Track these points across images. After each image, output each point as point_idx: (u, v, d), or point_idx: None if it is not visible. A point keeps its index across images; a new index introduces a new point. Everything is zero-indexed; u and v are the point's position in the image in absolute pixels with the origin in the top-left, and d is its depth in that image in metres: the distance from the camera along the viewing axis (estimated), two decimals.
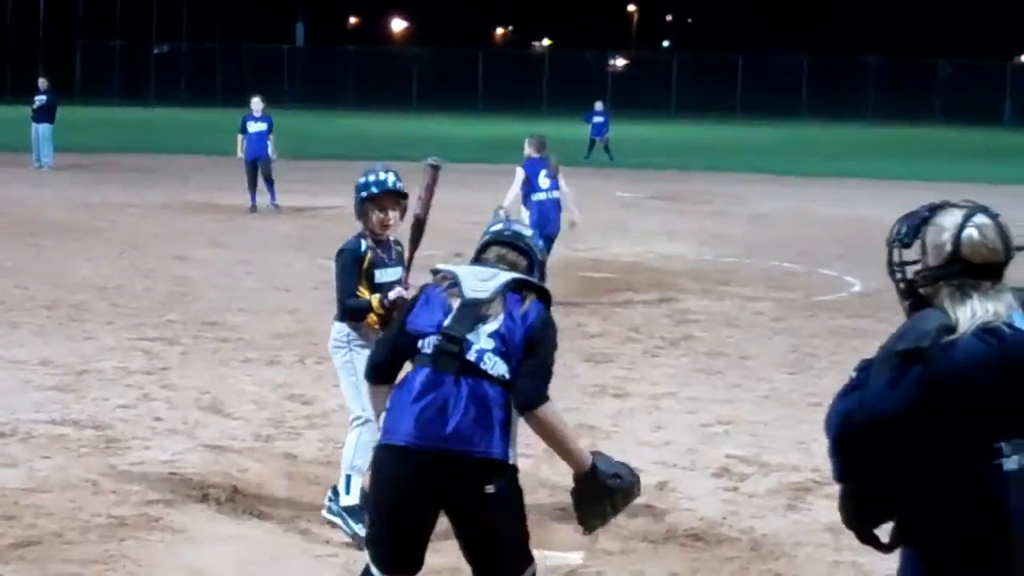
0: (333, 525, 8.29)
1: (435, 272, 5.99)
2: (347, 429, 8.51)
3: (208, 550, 8.09)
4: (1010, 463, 3.84)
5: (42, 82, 36.60)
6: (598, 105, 43.42)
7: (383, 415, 5.81)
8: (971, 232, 3.98)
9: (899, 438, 3.93)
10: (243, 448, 10.28)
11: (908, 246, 4.10)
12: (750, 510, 9.15)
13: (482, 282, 5.79)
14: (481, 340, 5.65)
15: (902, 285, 4.10)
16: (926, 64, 77.53)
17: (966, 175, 38.70)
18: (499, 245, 6.12)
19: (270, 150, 27.29)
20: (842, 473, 4.09)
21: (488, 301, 5.72)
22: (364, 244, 8.44)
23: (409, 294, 8.11)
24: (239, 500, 9.06)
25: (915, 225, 4.09)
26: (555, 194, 17.20)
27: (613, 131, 42.96)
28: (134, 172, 35.70)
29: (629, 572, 7.89)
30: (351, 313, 8.34)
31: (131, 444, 10.29)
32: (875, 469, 4.02)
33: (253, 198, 27.24)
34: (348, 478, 8.30)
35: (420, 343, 5.71)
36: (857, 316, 16.53)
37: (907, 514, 4.02)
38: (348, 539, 8.17)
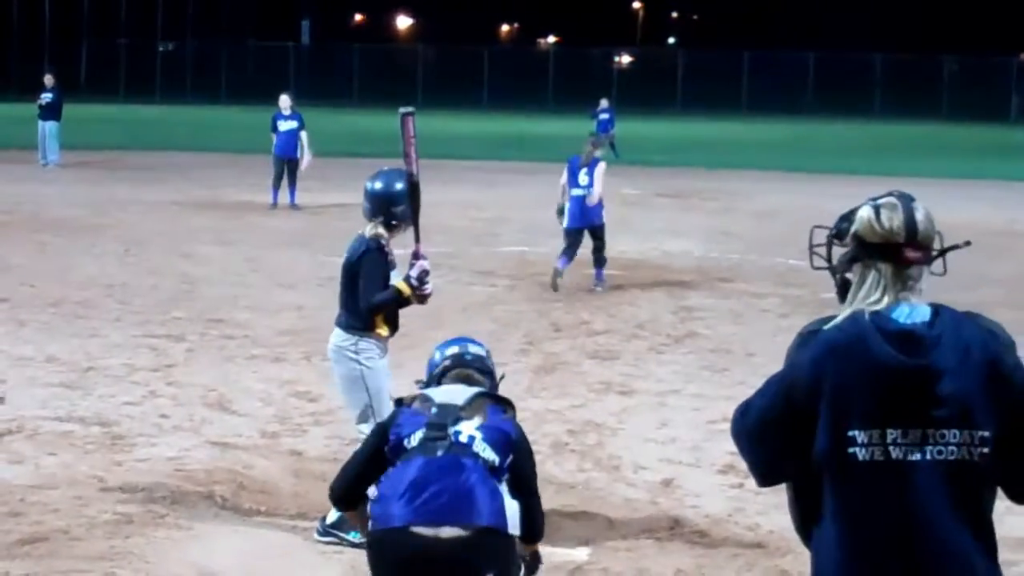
0: (329, 544, 8.21)
1: (400, 401, 5.97)
2: (346, 447, 8.45)
3: (214, 546, 8.10)
4: (863, 453, 3.83)
5: (48, 80, 36.60)
6: (603, 102, 43.44)
7: (370, 504, 5.74)
8: (866, 211, 4.00)
9: (778, 431, 3.96)
10: (249, 445, 10.29)
11: (840, 238, 4.11)
12: (756, 507, 9.15)
13: (454, 395, 5.85)
14: (467, 430, 5.67)
15: (836, 276, 4.13)
16: (932, 61, 77.45)
17: (972, 172, 38.70)
18: (461, 367, 6.15)
19: (306, 146, 27.14)
20: (755, 475, 4.13)
21: (464, 407, 5.75)
22: (386, 247, 8.33)
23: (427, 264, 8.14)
24: (245, 497, 9.08)
25: (846, 216, 4.12)
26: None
27: (618, 128, 42.94)
28: (140, 170, 35.72)
29: (635, 569, 7.89)
30: (381, 308, 8.22)
31: (137, 441, 10.31)
32: (777, 468, 4.04)
33: (275, 196, 27.18)
34: None
35: (405, 441, 5.66)
36: None
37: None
38: (349, 548, 8.12)
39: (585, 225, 18.06)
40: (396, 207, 8.26)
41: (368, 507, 5.74)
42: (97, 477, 9.32)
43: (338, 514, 8.10)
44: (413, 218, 8.08)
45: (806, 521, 4.04)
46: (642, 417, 11.51)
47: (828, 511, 3.91)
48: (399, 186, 8.26)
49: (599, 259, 18.14)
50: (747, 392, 12.34)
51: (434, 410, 5.72)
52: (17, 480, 9.19)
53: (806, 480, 3.94)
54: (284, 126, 27.48)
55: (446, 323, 14.40)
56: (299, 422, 11.01)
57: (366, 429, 8.24)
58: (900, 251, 3.93)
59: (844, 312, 3.95)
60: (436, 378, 6.14)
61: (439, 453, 5.58)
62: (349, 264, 8.34)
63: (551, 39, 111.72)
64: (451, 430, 5.64)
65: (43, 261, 19.48)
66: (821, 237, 4.18)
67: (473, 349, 6.23)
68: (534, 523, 5.84)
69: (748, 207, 29.78)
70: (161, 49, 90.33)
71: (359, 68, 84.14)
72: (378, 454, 5.80)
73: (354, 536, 8.01)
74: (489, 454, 5.63)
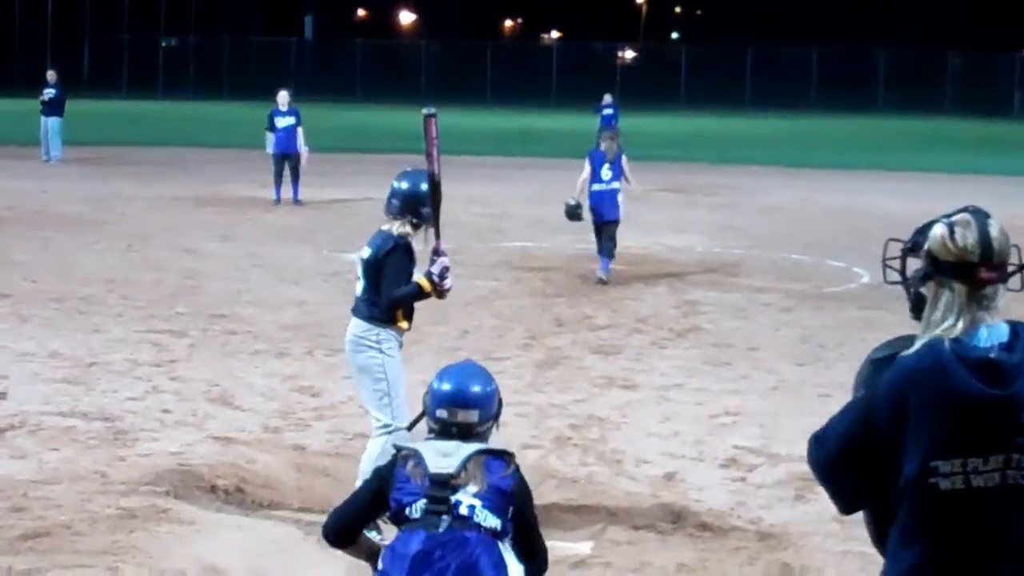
0: None
1: (398, 449, 5.84)
2: (371, 435, 8.46)
3: (217, 541, 8.10)
4: (945, 483, 3.79)
5: (51, 75, 36.61)
6: (607, 98, 43.36)
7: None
8: (939, 228, 3.91)
9: (859, 457, 3.91)
10: (252, 440, 10.29)
11: (915, 251, 4.04)
12: (758, 501, 9.16)
13: (444, 458, 5.67)
14: (467, 500, 5.57)
15: (911, 290, 4.05)
16: (935, 56, 77.38)
17: (976, 167, 38.68)
18: (447, 435, 5.87)
19: (300, 143, 27.16)
20: (836, 502, 4.05)
21: (457, 474, 5.61)
22: (411, 245, 8.38)
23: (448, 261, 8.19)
24: (248, 491, 9.08)
25: (921, 229, 4.03)
26: (614, 185, 18.59)
27: (622, 123, 42.89)
28: (142, 165, 35.73)
29: (637, 562, 7.89)
30: (403, 301, 8.28)
31: (140, 436, 10.31)
32: (859, 494, 3.99)
33: (278, 192, 27.19)
34: None
35: (407, 510, 5.59)
36: (866, 307, 16.51)
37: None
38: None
39: (612, 219, 18.47)
40: (423, 207, 8.32)
41: None
42: (100, 472, 9.32)
43: None
44: (434, 216, 8.14)
45: (883, 541, 3.98)
46: (644, 411, 11.52)
47: (907, 536, 3.86)
48: (426, 186, 8.30)
49: (611, 250, 18.40)
50: (750, 386, 12.38)
51: (426, 482, 5.59)
52: (20, 475, 9.20)
53: (884, 505, 3.89)
54: (282, 122, 27.46)
55: (449, 318, 14.41)
56: (302, 417, 11.01)
57: (383, 417, 8.27)
58: (975, 271, 3.82)
59: (921, 338, 3.86)
60: (430, 429, 5.98)
61: (442, 528, 5.51)
62: (375, 259, 8.38)
63: (554, 34, 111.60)
64: (452, 500, 5.55)
65: (46, 257, 19.49)
66: (895, 251, 4.09)
67: (462, 416, 5.85)
68: (535, 560, 5.83)
69: (751, 202, 29.78)
70: (164, 44, 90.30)
71: (362, 64, 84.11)
72: (377, 497, 5.77)
73: (376, 536, 8.01)
74: (491, 521, 5.56)
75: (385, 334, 8.32)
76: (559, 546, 8.16)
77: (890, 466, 3.82)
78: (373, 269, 8.36)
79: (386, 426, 8.25)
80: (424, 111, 8.07)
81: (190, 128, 51.07)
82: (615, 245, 18.52)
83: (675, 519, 8.70)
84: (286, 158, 27.19)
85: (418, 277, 8.22)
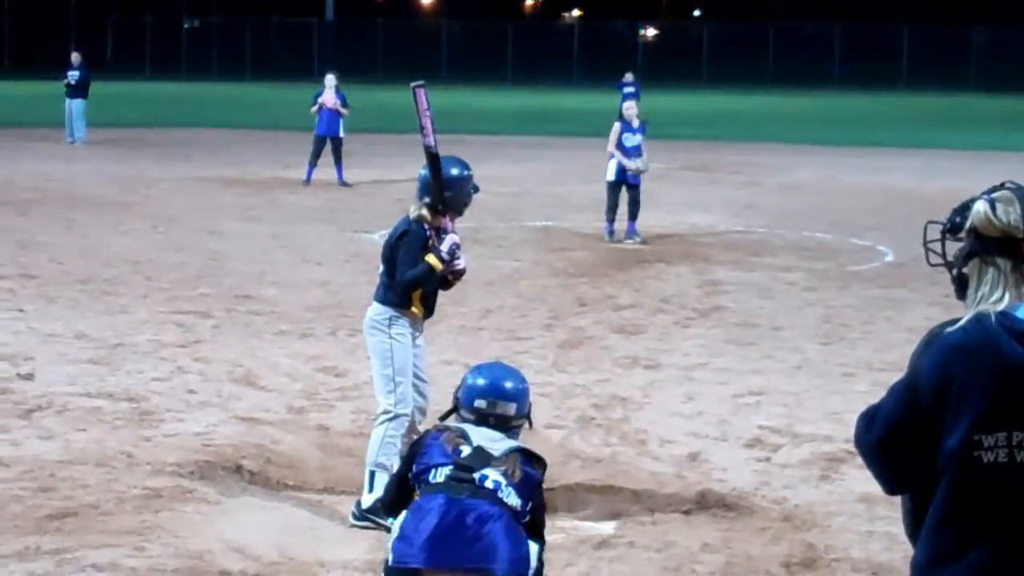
0: (365, 528, 8.23)
1: (441, 427, 5.99)
2: (372, 422, 8.49)
3: (242, 521, 8.14)
4: (988, 456, 3.79)
5: (75, 57, 36.66)
6: (628, 76, 43.26)
7: (392, 540, 5.68)
8: (982, 205, 3.91)
9: (906, 436, 3.91)
10: (276, 420, 10.33)
11: (955, 232, 4.03)
12: (782, 480, 9.16)
13: (492, 441, 5.86)
14: (494, 475, 5.70)
15: (953, 271, 4.05)
16: (960, 31, 77.01)
17: (1000, 143, 38.50)
18: (484, 425, 6.00)
19: (341, 128, 27.16)
20: (883, 483, 4.05)
21: (499, 458, 5.78)
22: (427, 229, 8.28)
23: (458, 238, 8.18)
24: (272, 472, 9.12)
25: (959, 209, 4.03)
26: (638, 141, 20.27)
27: (644, 102, 42.77)
28: (166, 146, 35.79)
29: (661, 542, 7.90)
30: (414, 283, 8.23)
31: (165, 417, 10.35)
32: (906, 474, 3.98)
33: (310, 172, 27.09)
34: (372, 475, 8.22)
35: (429, 474, 5.68)
36: (890, 286, 16.48)
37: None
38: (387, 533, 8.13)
39: (636, 182, 20.16)
40: (445, 191, 8.23)
41: (389, 542, 5.71)
42: (126, 452, 9.36)
43: (375, 499, 8.13)
44: (436, 191, 8.11)
45: (921, 525, 3.94)
46: (668, 391, 11.52)
47: (947, 514, 3.84)
48: (454, 172, 8.29)
49: (636, 212, 20.11)
50: (774, 365, 12.36)
51: (468, 451, 5.74)
52: (47, 456, 9.25)
53: (927, 485, 3.87)
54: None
55: (471, 299, 14.41)
56: (326, 397, 11.04)
57: (387, 403, 8.27)
58: (1020, 246, 3.83)
59: (967, 312, 3.87)
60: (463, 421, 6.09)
61: (464, 496, 5.60)
62: (390, 243, 8.38)
63: (575, 12, 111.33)
64: (477, 474, 5.67)
65: (71, 238, 19.55)
66: (935, 233, 4.08)
67: (500, 408, 6.04)
68: (541, 545, 5.96)
69: (774, 180, 29.71)
70: (186, 26, 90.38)
71: (383, 44, 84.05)
72: (405, 479, 5.91)
73: (388, 521, 8.04)
74: (513, 499, 5.67)
75: (397, 319, 8.31)
76: (583, 526, 8.20)
77: (935, 444, 3.82)
78: (389, 252, 8.36)
79: (386, 412, 8.25)
80: (412, 84, 8.07)
81: (213, 109, 51.11)
82: (639, 206, 20.07)
83: (699, 499, 8.70)
84: (330, 139, 27.14)
85: (428, 256, 8.17)
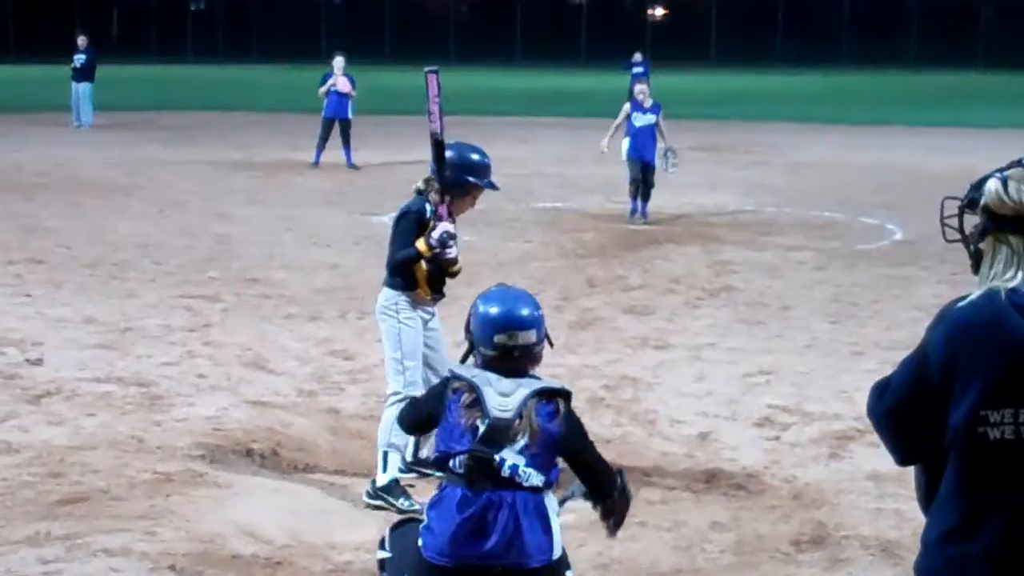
0: (378, 508, 8.20)
1: (455, 377, 5.74)
2: (383, 403, 8.49)
3: (253, 504, 8.15)
4: (994, 432, 3.78)
5: (81, 40, 36.59)
6: (637, 56, 43.13)
7: (421, 530, 5.61)
8: (993, 183, 3.90)
9: (914, 410, 3.90)
10: (286, 404, 10.33)
11: (972, 207, 4.01)
12: (792, 459, 9.16)
13: (504, 398, 5.60)
14: (512, 457, 5.53)
15: (970, 247, 4.04)
16: (969, 8, 76.81)
17: (1009, 120, 38.37)
18: (510, 361, 5.75)
19: (350, 110, 27.17)
20: (893, 454, 4.04)
21: (513, 420, 5.55)
22: (429, 210, 8.21)
23: (451, 227, 8.11)
24: (283, 455, 9.13)
25: (976, 185, 4.01)
26: (650, 119, 20.51)
27: (653, 81, 42.66)
28: (173, 130, 35.79)
29: (672, 521, 7.91)
30: (400, 265, 8.19)
31: (175, 401, 10.36)
32: (915, 447, 3.97)
33: (318, 155, 27.11)
34: (385, 455, 8.24)
35: (452, 462, 5.57)
36: (899, 264, 16.46)
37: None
38: (398, 514, 8.14)
39: (651, 159, 20.42)
40: (455, 175, 8.17)
41: (419, 534, 5.62)
42: (136, 437, 9.38)
43: (389, 479, 8.14)
44: (438, 177, 8.08)
45: (932, 498, 3.95)
46: (678, 371, 11.52)
47: (953, 490, 3.84)
48: (477, 159, 8.30)
49: (648, 193, 20.13)
50: (783, 344, 12.34)
51: (483, 426, 5.54)
52: (57, 441, 9.26)
53: (937, 459, 3.87)
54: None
55: (481, 280, 14.36)
56: (336, 380, 11.05)
57: (396, 384, 8.26)
58: None
59: (978, 288, 3.87)
60: (482, 364, 5.82)
61: (486, 490, 5.50)
62: (392, 225, 8.37)
63: None
64: (497, 458, 5.51)
65: (79, 223, 19.56)
66: (952, 209, 4.06)
67: (523, 338, 5.77)
68: (601, 486, 5.84)
69: (783, 160, 29.68)
70: (192, 8, 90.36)
71: (391, 24, 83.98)
72: (432, 413, 5.79)
73: (404, 502, 8.07)
74: (534, 480, 5.55)
75: (404, 302, 8.27)
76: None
77: (943, 418, 3.82)
78: (391, 234, 8.36)
79: (396, 393, 8.23)
80: (426, 68, 8.02)
81: (220, 91, 51.10)
82: (652, 187, 20.12)
83: (709, 478, 8.71)
84: (338, 122, 27.16)
85: (418, 241, 8.10)
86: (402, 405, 8.10)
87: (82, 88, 35.70)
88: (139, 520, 7.78)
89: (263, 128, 36.16)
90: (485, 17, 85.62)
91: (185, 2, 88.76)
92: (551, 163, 28.33)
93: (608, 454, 9.12)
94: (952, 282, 13.38)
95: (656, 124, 20.31)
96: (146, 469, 8.67)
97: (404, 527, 6.02)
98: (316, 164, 26.97)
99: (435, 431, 5.77)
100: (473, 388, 5.60)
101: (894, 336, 12.40)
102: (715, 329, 13.13)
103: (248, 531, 7.70)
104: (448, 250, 8.07)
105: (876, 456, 3.98)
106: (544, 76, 64.61)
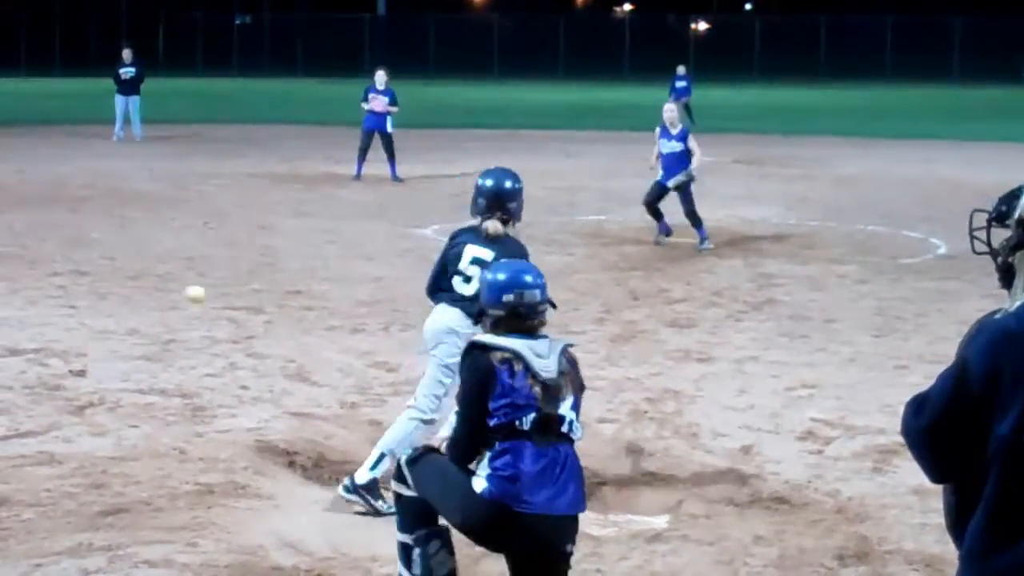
0: (350, 503, 8.28)
1: (483, 347, 6.13)
2: (404, 410, 8.50)
3: (295, 516, 8.16)
4: None
5: (127, 54, 36.56)
6: (680, 69, 43.21)
7: (499, 479, 6.00)
8: None
9: (955, 424, 3.85)
10: (329, 415, 10.35)
11: (1001, 220, 3.98)
12: (835, 473, 9.12)
13: (544, 360, 6.08)
14: (568, 413, 6.10)
15: (998, 260, 4.01)
16: (1012, 24, 76.42)
17: None
18: (525, 319, 6.27)
19: (389, 124, 27.23)
20: (929, 472, 3.99)
21: (559, 380, 6.08)
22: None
23: None
24: (325, 467, 9.14)
25: (1006, 198, 3.98)
26: (675, 147, 19.33)
27: (696, 95, 42.74)
28: (218, 143, 35.92)
29: (714, 535, 7.88)
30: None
31: (217, 412, 10.39)
32: (954, 463, 3.92)
33: (359, 167, 27.16)
34: (381, 456, 8.25)
35: (518, 422, 6.00)
36: (943, 279, 16.38)
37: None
38: (374, 515, 8.17)
39: (664, 182, 19.25)
40: (510, 203, 8.22)
41: (495, 481, 5.99)
42: (178, 448, 9.40)
43: (370, 477, 8.24)
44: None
45: (963, 517, 3.89)
46: (720, 384, 11.48)
47: (996, 507, 3.78)
48: (510, 183, 8.31)
49: (690, 215, 19.03)
50: (826, 358, 12.27)
51: (539, 390, 6.01)
52: (99, 452, 9.29)
53: (973, 476, 3.82)
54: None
55: None
56: (378, 392, 11.06)
57: (426, 404, 8.29)
58: None
59: (1014, 302, 3.84)
60: (492, 324, 6.27)
61: (554, 444, 6.03)
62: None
63: (627, 7, 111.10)
64: (559, 414, 6.05)
65: (123, 235, 19.65)
66: (981, 221, 4.04)
67: (528, 296, 6.25)
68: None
69: (826, 173, 29.57)
70: (238, 22, 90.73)
71: (435, 39, 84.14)
72: (489, 375, 6.07)
73: (381, 504, 8.08)
74: (578, 432, 6.16)
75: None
76: (636, 519, 8.19)
77: (985, 433, 3.77)
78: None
79: (421, 412, 8.27)
80: None
81: (265, 105, 51.30)
82: (689, 210, 18.97)
83: (752, 492, 8.68)
84: (379, 135, 27.19)
85: None
86: (419, 426, 8.20)
87: (131, 101, 35.73)
88: (181, 531, 7.80)
89: (307, 141, 36.26)
90: (528, 31, 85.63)
91: (231, 16, 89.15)
92: (594, 176, 28.30)
93: (650, 467, 9.16)
94: (997, 296, 13.16)
95: (685, 151, 19.20)
96: (188, 480, 8.69)
97: (425, 464, 6.38)
98: (357, 176, 27.03)
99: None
100: (519, 356, 6.05)
101: (938, 350, 12.32)
102: (758, 342, 13.09)
103: (290, 543, 7.71)
104: None
105: (920, 471, 3.93)
106: (587, 90, 64.65)
